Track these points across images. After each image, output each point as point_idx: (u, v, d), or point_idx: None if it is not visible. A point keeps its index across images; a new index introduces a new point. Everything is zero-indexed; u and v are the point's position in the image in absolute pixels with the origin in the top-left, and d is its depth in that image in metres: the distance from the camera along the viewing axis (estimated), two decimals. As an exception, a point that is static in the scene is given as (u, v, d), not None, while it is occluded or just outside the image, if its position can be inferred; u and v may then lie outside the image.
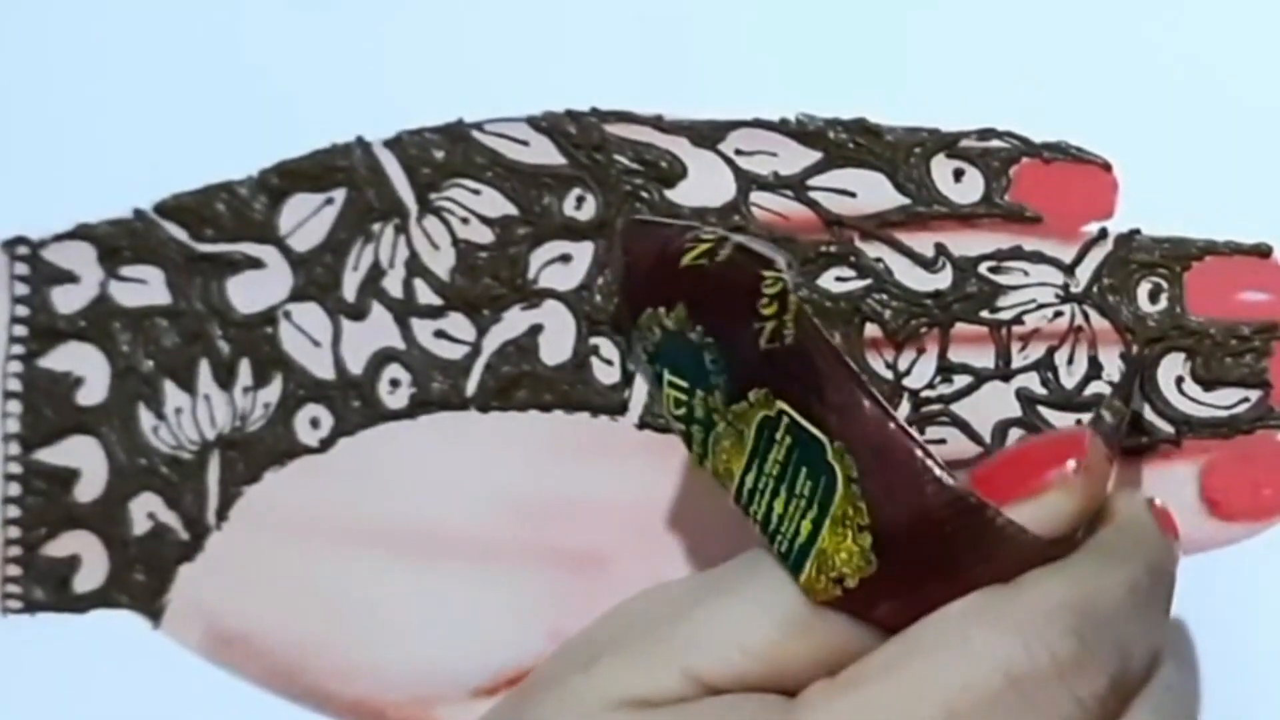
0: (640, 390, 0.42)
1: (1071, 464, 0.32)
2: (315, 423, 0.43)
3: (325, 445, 0.43)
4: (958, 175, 0.41)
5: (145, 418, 0.43)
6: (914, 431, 0.31)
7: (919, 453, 0.31)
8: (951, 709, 0.30)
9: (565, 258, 0.42)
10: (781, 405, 0.32)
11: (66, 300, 0.44)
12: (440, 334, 0.42)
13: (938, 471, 0.31)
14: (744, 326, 0.32)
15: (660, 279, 0.33)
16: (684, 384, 0.33)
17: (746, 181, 0.41)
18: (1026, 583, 0.31)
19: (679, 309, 0.33)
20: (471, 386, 0.42)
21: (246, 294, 0.43)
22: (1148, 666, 0.33)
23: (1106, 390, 0.40)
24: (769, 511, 0.32)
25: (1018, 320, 0.40)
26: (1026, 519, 0.32)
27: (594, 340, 0.42)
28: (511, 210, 0.42)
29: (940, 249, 0.41)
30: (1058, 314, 0.40)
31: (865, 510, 0.31)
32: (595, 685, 0.33)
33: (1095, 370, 0.40)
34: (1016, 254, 0.40)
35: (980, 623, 0.31)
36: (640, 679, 0.32)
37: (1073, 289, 0.40)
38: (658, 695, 0.32)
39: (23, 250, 0.44)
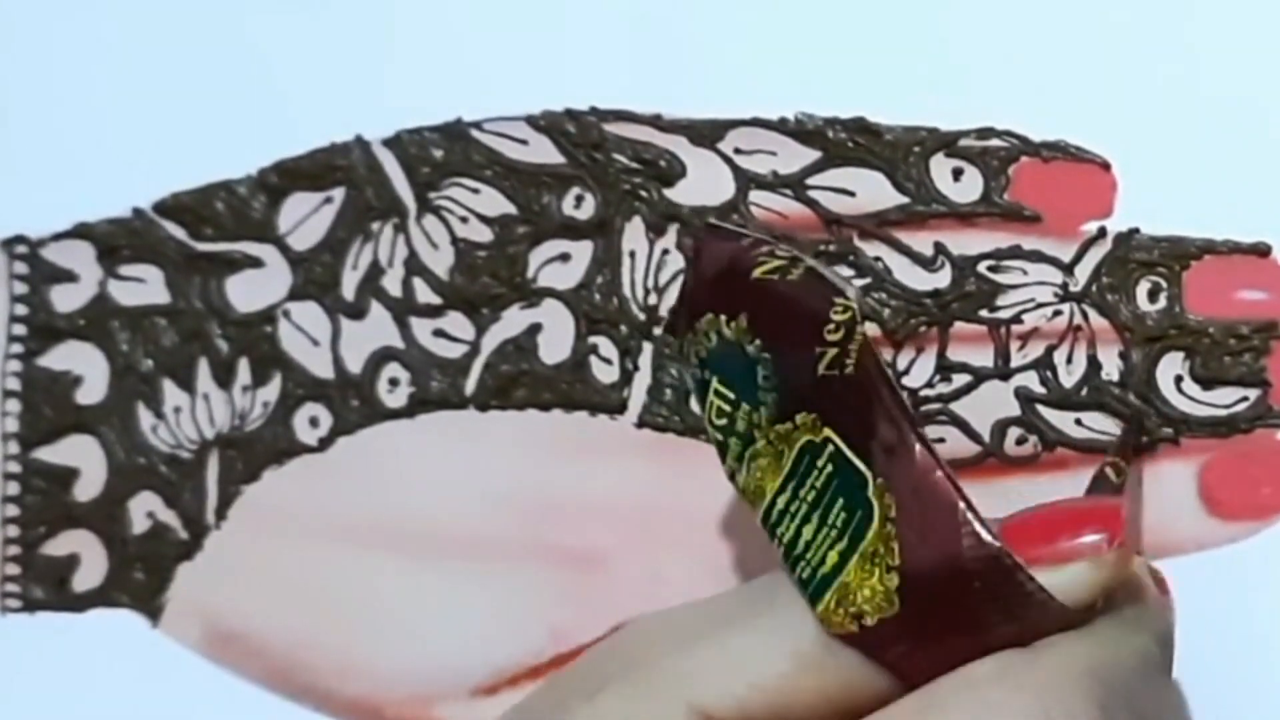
0: (640, 389, 0.42)
1: (1106, 538, 0.32)
2: (314, 422, 0.43)
3: (324, 444, 0.43)
4: (957, 174, 0.41)
5: (144, 417, 0.43)
6: (959, 482, 0.31)
7: (961, 504, 0.31)
8: None
9: (564, 256, 0.42)
10: (829, 433, 0.32)
11: (65, 299, 0.44)
12: (439, 333, 0.42)
13: (977, 526, 0.31)
14: (805, 349, 0.32)
15: (728, 287, 0.33)
16: (731, 395, 0.33)
17: (745, 180, 0.41)
18: (1048, 648, 0.31)
19: (741, 319, 0.32)
20: (470, 385, 0.42)
21: (245, 293, 0.43)
22: None
23: (1106, 390, 0.40)
24: (797, 536, 0.32)
25: (1017, 319, 0.40)
26: (1051, 583, 0.31)
27: (593, 339, 0.42)
28: (510, 209, 0.42)
29: (939, 248, 0.41)
30: (1057, 313, 0.40)
31: (897, 551, 0.31)
32: (600, 715, 0.32)
33: (1094, 369, 0.40)
34: (1015, 253, 0.40)
35: (1001, 686, 0.31)
36: (644, 711, 0.32)
37: (1072, 288, 0.40)
38: None
39: (21, 249, 0.44)
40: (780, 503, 0.32)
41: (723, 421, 0.33)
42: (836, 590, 0.31)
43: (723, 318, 0.33)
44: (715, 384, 0.33)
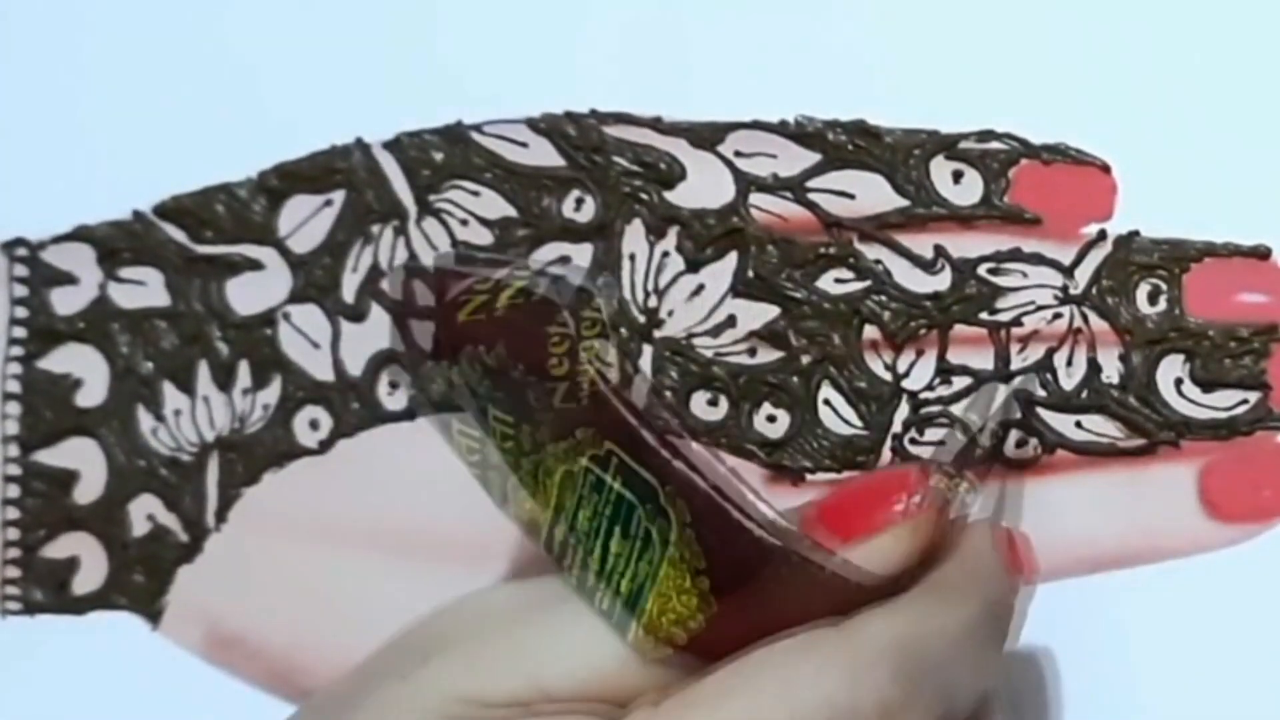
0: (640, 390, 0.42)
1: (899, 506, 0.32)
2: (314, 424, 0.43)
3: (324, 447, 0.43)
4: (957, 177, 0.41)
5: (144, 419, 0.43)
6: (734, 485, 0.31)
7: (734, 512, 0.31)
8: None
9: (564, 259, 0.42)
10: (609, 445, 0.32)
11: (65, 302, 0.44)
12: (439, 335, 0.42)
13: (756, 531, 0.31)
14: (542, 381, 0.32)
15: (469, 325, 0.33)
16: (510, 419, 0.33)
17: (745, 183, 0.41)
18: (856, 623, 0.32)
19: (499, 349, 0.32)
20: (470, 388, 0.42)
21: (246, 295, 0.43)
22: (976, 709, 0.33)
23: (1106, 392, 0.40)
24: (604, 554, 0.32)
25: (1017, 322, 0.40)
26: (860, 558, 0.32)
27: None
28: (511, 212, 0.42)
29: (939, 250, 0.41)
30: (1057, 315, 0.40)
31: (700, 554, 0.31)
32: (434, 681, 0.32)
33: (1094, 372, 0.40)
34: (1015, 256, 0.40)
35: (807, 659, 0.31)
36: (481, 679, 0.32)
37: (1072, 290, 0.40)
38: (497, 696, 0.32)
39: (22, 252, 0.44)
40: (581, 520, 0.32)
41: (509, 444, 0.33)
42: (655, 598, 0.32)
43: (481, 348, 0.33)
44: (493, 410, 0.33)
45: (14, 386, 0.44)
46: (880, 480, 0.34)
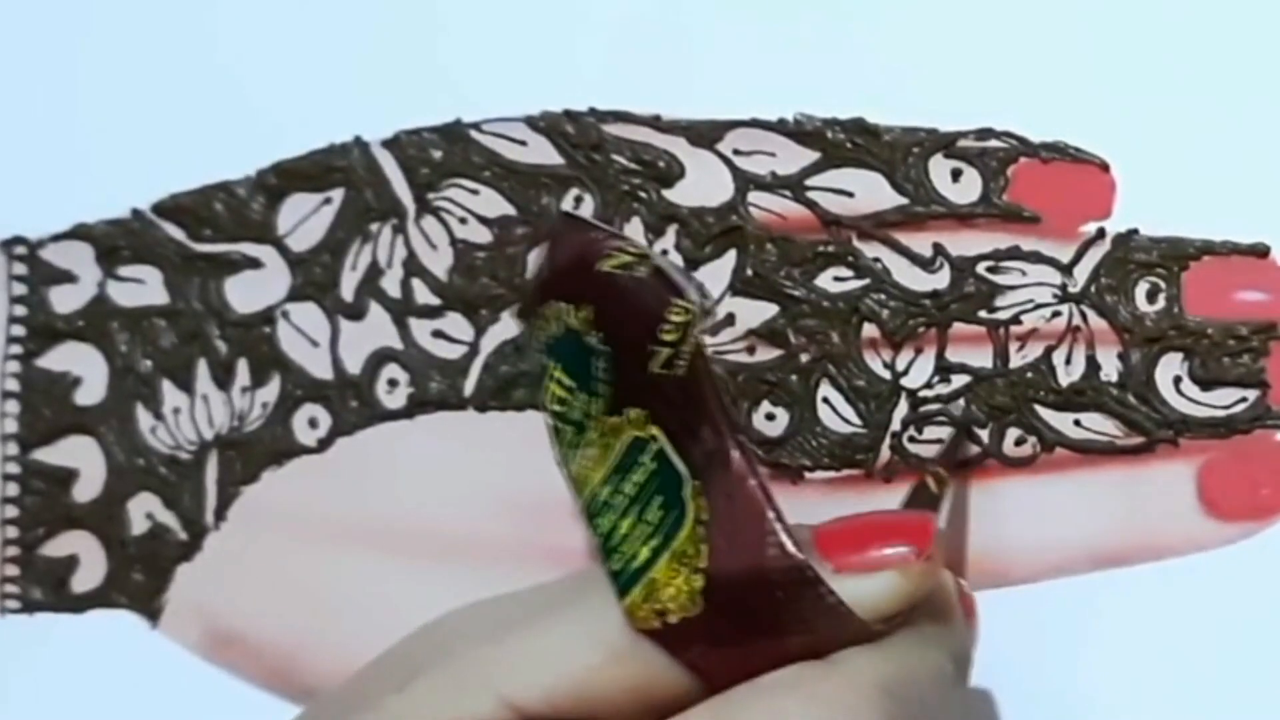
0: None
1: (915, 551, 0.32)
2: (313, 423, 0.43)
3: (323, 445, 0.43)
4: (955, 175, 0.41)
5: (143, 418, 0.43)
6: (773, 495, 0.31)
7: (770, 514, 0.31)
8: None
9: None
10: (655, 430, 0.32)
11: (64, 300, 0.44)
12: (438, 334, 0.42)
13: (783, 537, 0.31)
14: (640, 346, 0.32)
15: (577, 277, 0.33)
16: (570, 383, 0.33)
17: (744, 181, 0.41)
18: (843, 660, 0.32)
19: (586, 310, 0.33)
20: (470, 386, 0.42)
21: (244, 294, 0.43)
22: None
23: (1104, 391, 0.40)
24: (614, 529, 0.33)
25: (1015, 320, 0.40)
26: (855, 591, 0.32)
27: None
28: (509, 210, 0.42)
29: (938, 249, 0.41)
30: (1055, 314, 0.40)
31: (705, 554, 0.31)
32: (410, 706, 0.32)
33: (1093, 370, 0.40)
34: (1014, 254, 0.40)
35: (795, 695, 0.31)
36: (454, 702, 0.32)
37: (1070, 289, 0.40)
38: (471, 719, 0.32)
39: (20, 250, 0.44)
40: (603, 494, 0.33)
41: (559, 408, 0.34)
42: (645, 586, 0.32)
43: (570, 306, 0.33)
44: (557, 372, 0.34)
45: (13, 385, 0.44)
46: (900, 521, 0.34)
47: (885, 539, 0.32)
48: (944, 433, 0.40)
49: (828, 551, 0.32)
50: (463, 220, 0.42)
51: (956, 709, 0.34)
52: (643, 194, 0.42)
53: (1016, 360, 0.40)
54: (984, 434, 0.40)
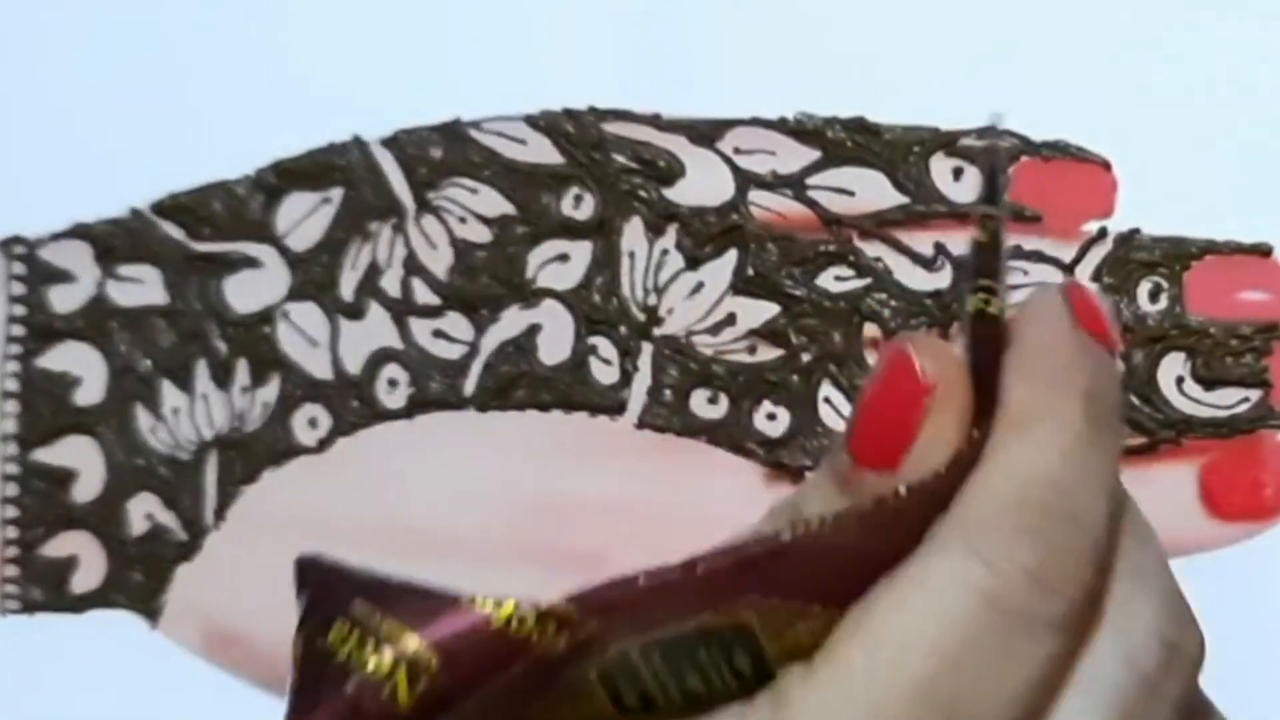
0: (639, 390, 0.41)
1: (925, 401, 0.27)
2: (313, 422, 0.43)
3: (323, 445, 0.42)
4: (957, 174, 0.41)
5: (143, 418, 0.43)
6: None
7: None
8: (942, 652, 0.27)
9: (563, 257, 0.42)
10: None
11: (63, 300, 0.43)
12: (438, 333, 0.42)
13: None
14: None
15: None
16: None
17: (745, 180, 0.41)
18: (955, 508, 0.27)
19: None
20: (470, 386, 0.42)
21: (244, 293, 0.43)
22: (1111, 523, 0.29)
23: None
24: None
25: (1017, 320, 0.40)
26: (920, 465, 0.27)
27: (592, 340, 0.42)
28: (509, 209, 0.42)
29: (939, 248, 0.41)
30: (1057, 313, 0.40)
31: None
32: None
33: (1095, 369, 0.40)
34: (1016, 253, 0.40)
35: (929, 560, 0.27)
36: None
37: (1072, 288, 0.40)
38: None
39: (19, 249, 0.44)
40: None
41: None
42: None
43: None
44: None
45: (12, 385, 0.43)
46: (886, 385, 0.29)
47: (898, 419, 0.27)
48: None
49: (870, 461, 0.28)
50: (462, 219, 0.42)
51: (1097, 475, 0.27)
52: (643, 193, 0.42)
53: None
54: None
